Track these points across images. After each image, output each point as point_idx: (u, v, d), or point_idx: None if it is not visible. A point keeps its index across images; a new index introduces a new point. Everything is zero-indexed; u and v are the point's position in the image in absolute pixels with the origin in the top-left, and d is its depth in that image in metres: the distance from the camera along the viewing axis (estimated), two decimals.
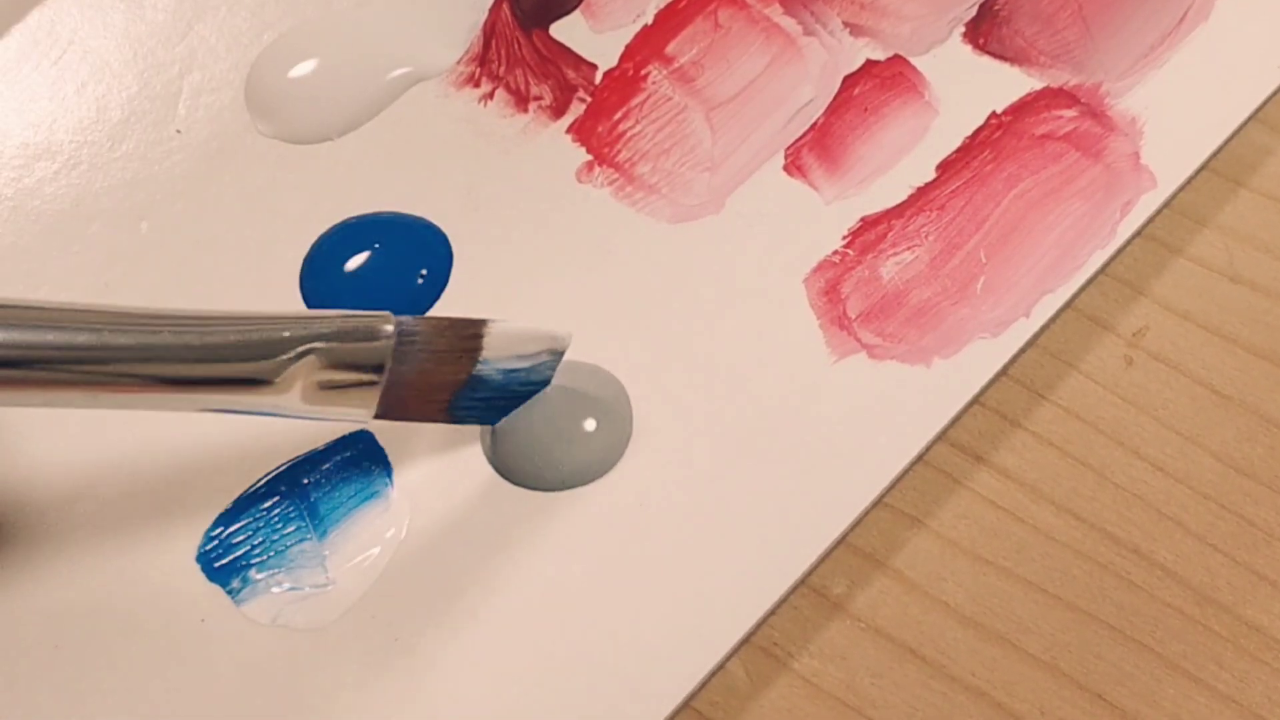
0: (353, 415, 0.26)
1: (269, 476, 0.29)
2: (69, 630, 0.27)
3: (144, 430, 0.29)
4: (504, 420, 0.29)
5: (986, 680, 0.28)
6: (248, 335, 0.24)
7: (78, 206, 0.32)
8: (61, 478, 0.29)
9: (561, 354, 0.28)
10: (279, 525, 0.28)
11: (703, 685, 0.27)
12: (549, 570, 0.28)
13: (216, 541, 0.28)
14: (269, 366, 0.24)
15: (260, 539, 0.28)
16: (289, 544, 0.28)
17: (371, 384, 0.25)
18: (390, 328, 0.25)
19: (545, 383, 0.29)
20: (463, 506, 0.28)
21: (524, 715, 0.27)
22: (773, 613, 0.28)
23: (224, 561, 0.28)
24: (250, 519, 0.28)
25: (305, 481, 0.29)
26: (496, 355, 0.27)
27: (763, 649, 0.28)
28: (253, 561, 0.28)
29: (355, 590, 0.28)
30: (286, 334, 0.24)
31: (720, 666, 0.28)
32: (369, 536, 0.28)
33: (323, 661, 0.27)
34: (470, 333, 0.27)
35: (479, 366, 0.27)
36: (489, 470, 0.29)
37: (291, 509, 0.28)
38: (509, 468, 0.29)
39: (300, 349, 0.24)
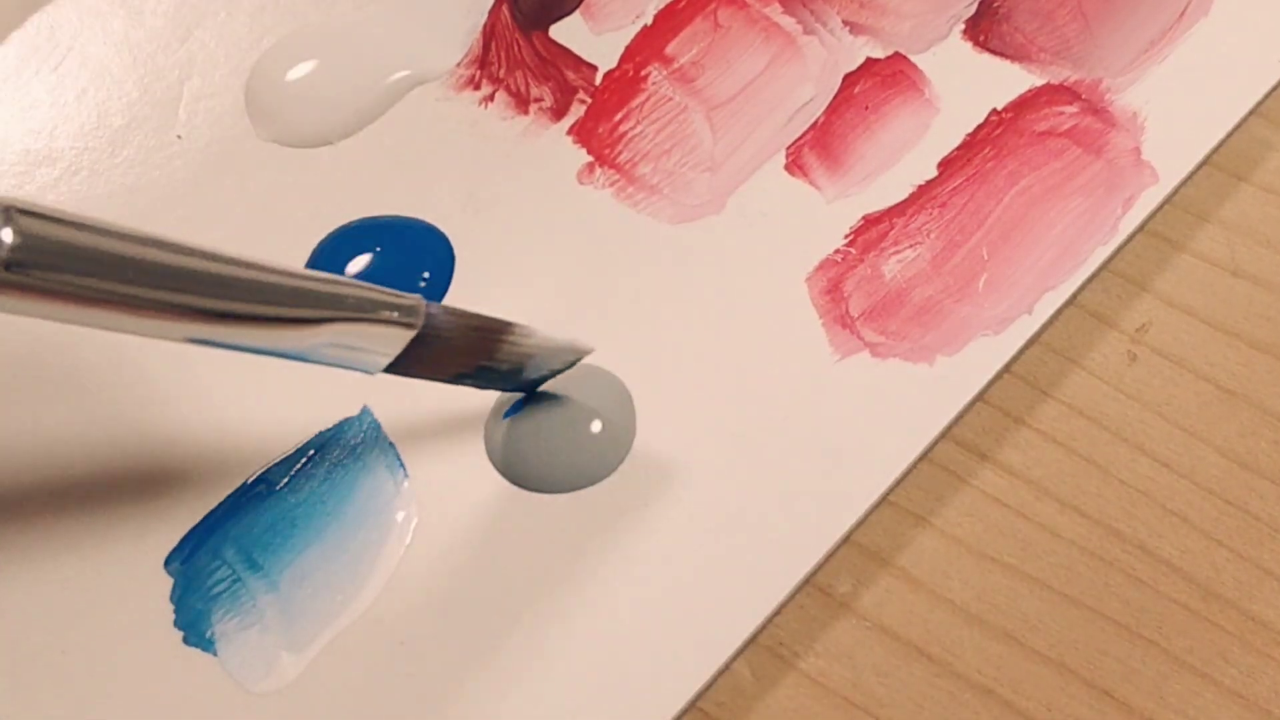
0: (360, 368, 0.26)
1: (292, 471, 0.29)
2: (75, 634, 0.27)
3: (156, 429, 0.29)
4: (506, 423, 0.29)
5: (993, 678, 0.28)
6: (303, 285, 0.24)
7: (79, 213, 0.32)
8: (70, 478, 0.29)
9: (579, 359, 0.29)
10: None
11: (709, 685, 0.27)
12: (554, 572, 0.28)
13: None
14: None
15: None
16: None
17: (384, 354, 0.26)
18: (419, 321, 0.26)
19: (556, 373, 0.29)
20: (467, 509, 0.28)
21: (530, 717, 0.27)
22: (778, 612, 0.28)
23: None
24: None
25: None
26: (514, 360, 0.28)
27: (768, 649, 0.28)
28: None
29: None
30: (329, 296, 0.25)
31: (726, 666, 0.28)
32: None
33: (329, 665, 0.27)
34: (494, 338, 0.27)
35: (493, 363, 0.28)
36: (494, 473, 0.29)
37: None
38: (514, 470, 0.29)
39: (335, 314, 0.25)
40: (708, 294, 0.31)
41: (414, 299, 0.26)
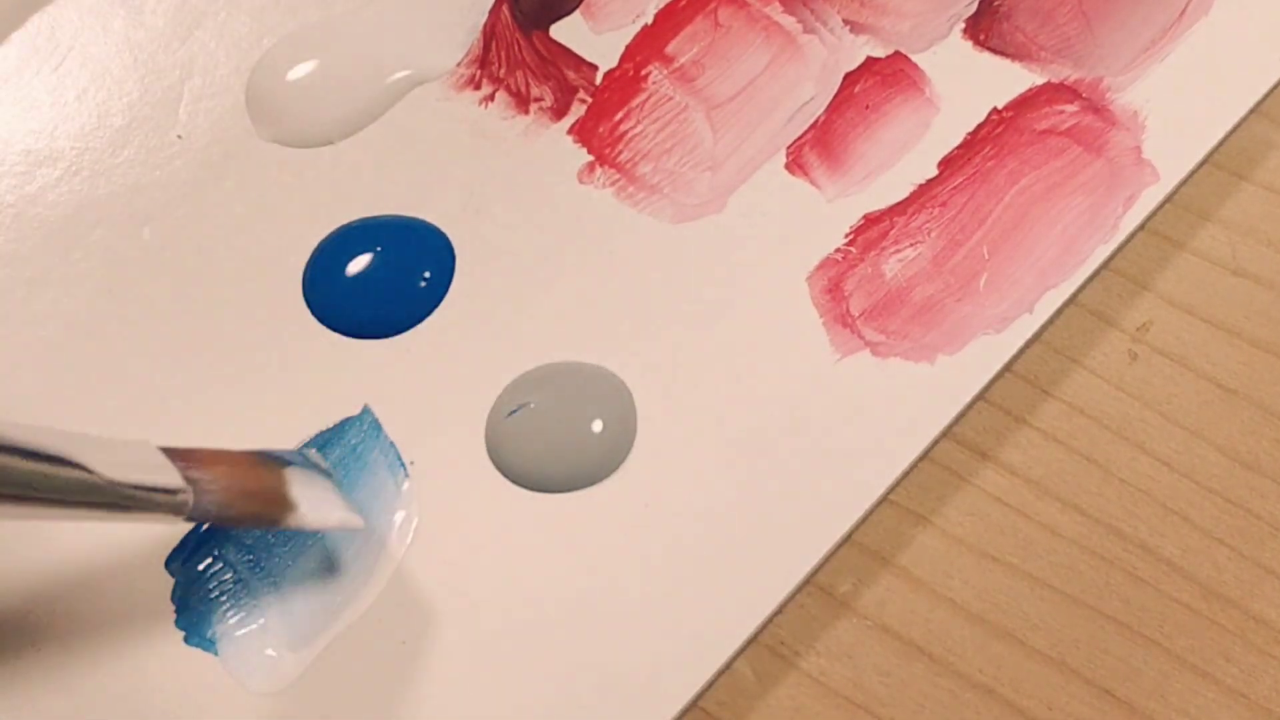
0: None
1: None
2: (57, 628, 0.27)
3: (157, 429, 0.29)
4: (509, 423, 0.29)
5: (994, 677, 0.28)
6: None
7: (80, 213, 0.32)
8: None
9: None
10: None
11: (710, 685, 0.27)
12: (555, 572, 0.28)
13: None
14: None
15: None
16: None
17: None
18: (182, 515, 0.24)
19: None
20: (468, 509, 0.28)
21: (532, 717, 0.27)
22: (779, 612, 0.28)
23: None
24: None
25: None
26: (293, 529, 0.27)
27: (770, 648, 0.28)
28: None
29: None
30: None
31: (727, 666, 0.28)
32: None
33: (329, 665, 0.27)
34: (269, 521, 0.26)
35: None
36: (494, 473, 0.29)
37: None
38: (514, 470, 0.29)
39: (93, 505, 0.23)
40: (708, 293, 0.31)
41: (182, 494, 0.24)
